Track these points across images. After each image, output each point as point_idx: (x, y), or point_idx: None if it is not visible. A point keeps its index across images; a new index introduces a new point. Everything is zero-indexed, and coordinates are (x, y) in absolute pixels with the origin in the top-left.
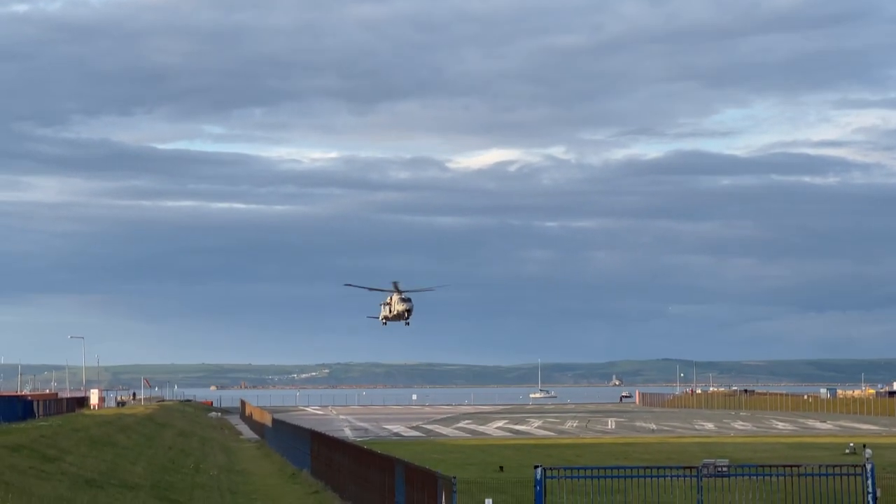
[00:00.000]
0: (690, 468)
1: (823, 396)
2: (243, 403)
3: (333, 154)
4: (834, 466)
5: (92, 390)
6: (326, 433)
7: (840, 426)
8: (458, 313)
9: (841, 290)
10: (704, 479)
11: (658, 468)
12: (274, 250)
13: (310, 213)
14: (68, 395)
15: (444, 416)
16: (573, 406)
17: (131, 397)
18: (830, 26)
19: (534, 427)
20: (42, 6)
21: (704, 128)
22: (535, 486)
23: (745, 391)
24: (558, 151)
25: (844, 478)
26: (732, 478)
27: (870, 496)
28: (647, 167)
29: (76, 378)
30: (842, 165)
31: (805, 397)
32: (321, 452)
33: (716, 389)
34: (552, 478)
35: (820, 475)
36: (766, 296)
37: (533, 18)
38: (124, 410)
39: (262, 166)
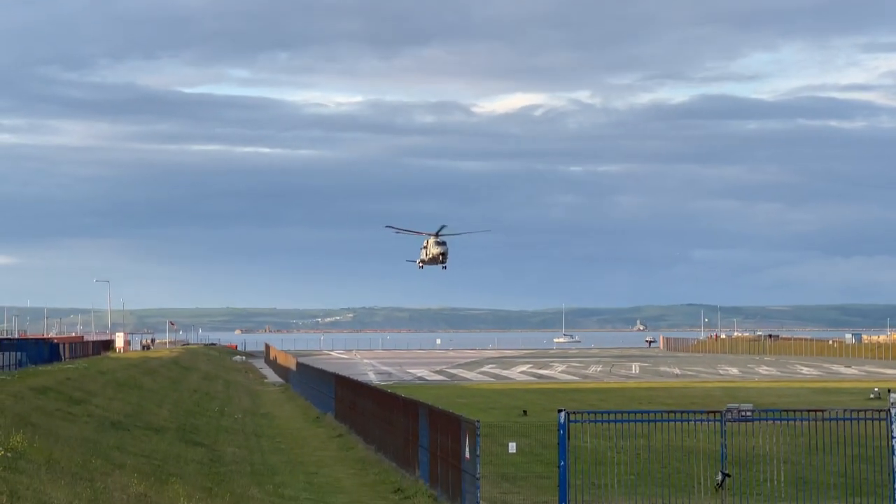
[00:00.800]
0: (714, 413)
1: (848, 342)
2: (268, 347)
3: (358, 98)
4: (858, 411)
5: (117, 334)
6: (350, 377)
7: (865, 371)
8: (482, 258)
9: (867, 235)
10: (728, 424)
11: (682, 412)
12: (299, 195)
13: (335, 157)
14: (94, 339)
15: (468, 360)
16: (597, 351)
17: (150, 342)
18: None
19: (557, 371)
20: None
21: (731, 72)
22: (558, 430)
23: (770, 336)
24: (584, 96)
25: (869, 422)
26: (756, 422)
27: (894, 441)
28: (673, 111)
29: (102, 321)
30: (869, 109)
31: (830, 342)
32: (345, 396)
33: (740, 334)
34: (576, 422)
35: (844, 420)
36: (791, 241)
37: None
38: (149, 354)
39: (287, 110)
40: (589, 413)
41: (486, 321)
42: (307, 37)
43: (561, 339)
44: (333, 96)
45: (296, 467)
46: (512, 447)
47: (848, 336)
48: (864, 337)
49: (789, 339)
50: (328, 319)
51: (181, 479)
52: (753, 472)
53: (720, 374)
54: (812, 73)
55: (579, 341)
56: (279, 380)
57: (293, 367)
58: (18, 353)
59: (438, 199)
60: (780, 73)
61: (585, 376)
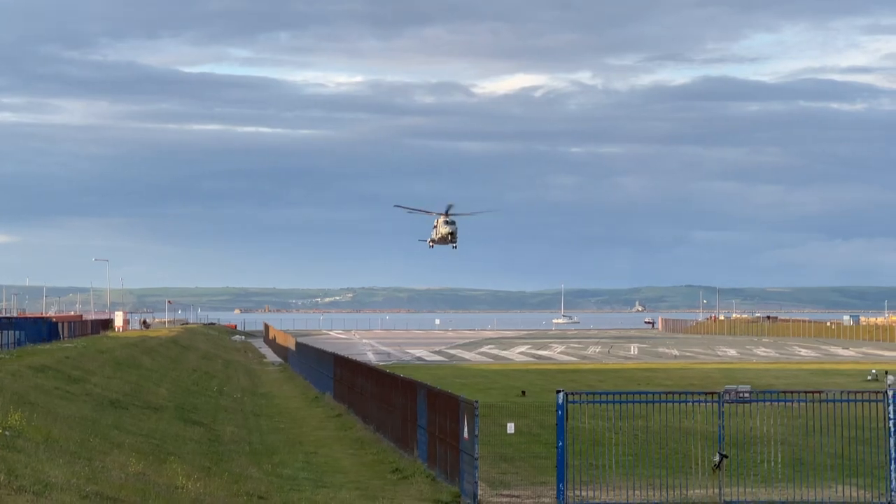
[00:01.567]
0: (712, 394)
1: (846, 323)
2: (267, 327)
3: (359, 78)
4: (856, 393)
5: (116, 313)
6: (349, 357)
7: (863, 353)
8: (482, 239)
9: (867, 217)
10: (726, 406)
11: (680, 394)
12: (299, 175)
13: (335, 137)
14: (93, 318)
15: (467, 340)
16: (596, 332)
17: (142, 322)
18: None
19: (556, 352)
20: None
21: (732, 53)
22: (557, 411)
23: (768, 318)
24: (585, 77)
25: (866, 404)
26: (754, 404)
27: (891, 422)
28: (674, 93)
29: (101, 300)
30: (870, 92)
31: (828, 324)
32: (344, 376)
33: (739, 316)
34: (574, 402)
35: (842, 401)
36: (792, 223)
37: None
38: (148, 333)
39: (288, 90)
40: (587, 394)
41: (485, 302)
42: (308, 17)
43: (560, 320)
44: (334, 76)
45: (294, 447)
46: (510, 427)
47: (846, 318)
48: (862, 319)
49: (788, 320)
50: (327, 300)
51: (179, 458)
52: (750, 453)
53: (718, 356)
54: (813, 55)
55: (578, 322)
56: (278, 359)
57: (292, 346)
58: (17, 332)
59: (438, 179)
60: (781, 54)
61: (584, 357)
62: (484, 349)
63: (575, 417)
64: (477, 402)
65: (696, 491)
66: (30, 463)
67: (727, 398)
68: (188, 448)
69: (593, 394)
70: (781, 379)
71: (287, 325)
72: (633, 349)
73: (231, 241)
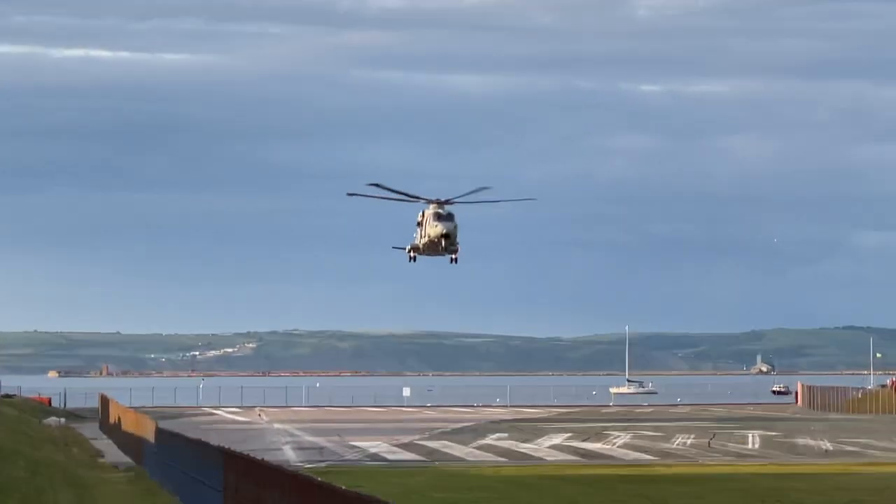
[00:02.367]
0: None
1: None
2: (105, 402)
3: None
4: None
5: None
6: (251, 456)
7: None
8: (485, 249)
9: None
10: None
11: None
12: (160, 133)
13: (224, 67)
14: None
15: (461, 424)
16: (686, 409)
17: None
18: None
19: (617, 446)
20: None
21: None
22: None
23: None
24: None
25: None
26: None
27: None
28: None
29: None
30: None
31: None
32: (244, 489)
33: None
34: None
35: None
36: None
37: None
38: None
39: None
40: None
41: (492, 357)
42: None
43: (623, 389)
44: None
45: None
46: None
47: None
48: None
49: None
50: (212, 353)
51: None
52: None
53: None
54: None
55: (655, 392)
56: (126, 459)
57: (150, 437)
58: None
59: (408, 141)
60: None
61: (666, 454)
62: (490, 440)
63: None
64: None
65: None
66: None
67: None
68: None
69: None
70: None
71: (142, 398)
72: (753, 440)
73: (41, 250)
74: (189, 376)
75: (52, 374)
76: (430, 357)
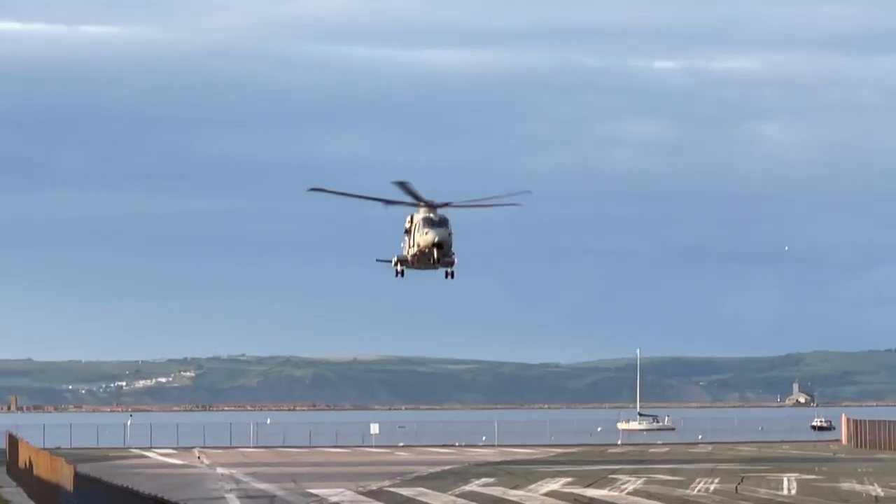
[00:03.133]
0: None
1: None
2: (14, 442)
3: None
4: None
5: None
6: None
7: None
8: (466, 256)
9: None
10: None
11: None
12: (77, 121)
13: (154, 40)
14: None
15: (439, 468)
16: (708, 448)
17: None
18: None
19: (626, 492)
20: None
21: None
22: None
23: None
24: None
25: None
26: None
27: None
28: None
29: None
30: None
31: None
32: None
33: None
34: None
35: None
36: None
37: None
38: None
39: None
40: None
41: (476, 386)
42: None
43: (631, 424)
44: None
45: None
46: None
47: None
48: None
49: None
50: (141, 383)
51: None
52: None
53: None
54: None
55: (673, 428)
56: None
57: (68, 483)
58: None
59: (375, 128)
60: None
61: (685, 502)
62: (475, 486)
63: None
64: None
65: None
66: None
67: None
68: None
69: None
70: None
71: (57, 436)
72: (789, 484)
73: None
74: (114, 411)
75: None
76: (403, 387)
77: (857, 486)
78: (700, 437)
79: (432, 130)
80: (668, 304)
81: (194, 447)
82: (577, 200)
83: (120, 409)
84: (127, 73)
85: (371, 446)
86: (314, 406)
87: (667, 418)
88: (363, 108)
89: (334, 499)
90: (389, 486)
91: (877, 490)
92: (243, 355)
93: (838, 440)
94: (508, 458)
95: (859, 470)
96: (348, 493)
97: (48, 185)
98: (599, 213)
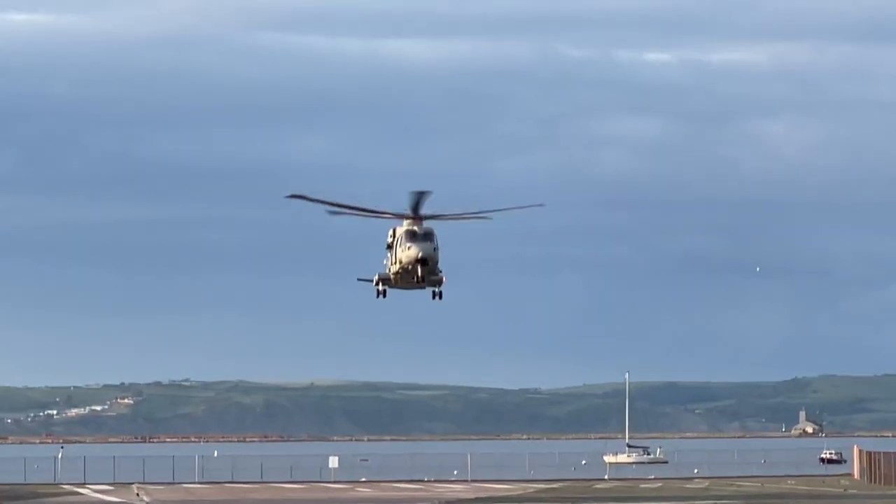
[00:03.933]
0: None
1: None
2: None
3: None
4: None
5: None
6: None
7: None
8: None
9: None
10: None
11: None
12: (1, 121)
13: (89, 29)
14: None
15: None
16: (705, 483)
17: None
18: None
19: None
20: None
21: None
22: None
23: None
24: None
25: None
26: None
27: None
28: None
29: None
30: None
31: None
32: None
33: None
34: None
35: None
36: None
37: None
38: None
39: None
40: None
41: (446, 415)
42: None
43: (622, 457)
44: None
45: None
46: None
47: None
48: None
49: None
50: (74, 412)
51: None
52: None
53: None
54: None
55: (665, 461)
56: None
57: None
58: None
59: (339, 127)
60: None
61: None
62: None
63: None
64: None
65: None
66: None
67: None
68: None
69: None
70: None
71: None
72: None
73: None
74: (43, 442)
75: None
76: (366, 416)
77: None
78: (696, 470)
79: (400, 129)
80: (660, 323)
81: (133, 483)
82: (559, 206)
83: (50, 441)
84: (60, 67)
85: (330, 482)
86: (266, 437)
87: (659, 450)
88: (324, 105)
89: None
90: None
91: None
92: (187, 380)
93: (850, 474)
94: (483, 495)
95: None
96: None
97: None
98: (584, 221)
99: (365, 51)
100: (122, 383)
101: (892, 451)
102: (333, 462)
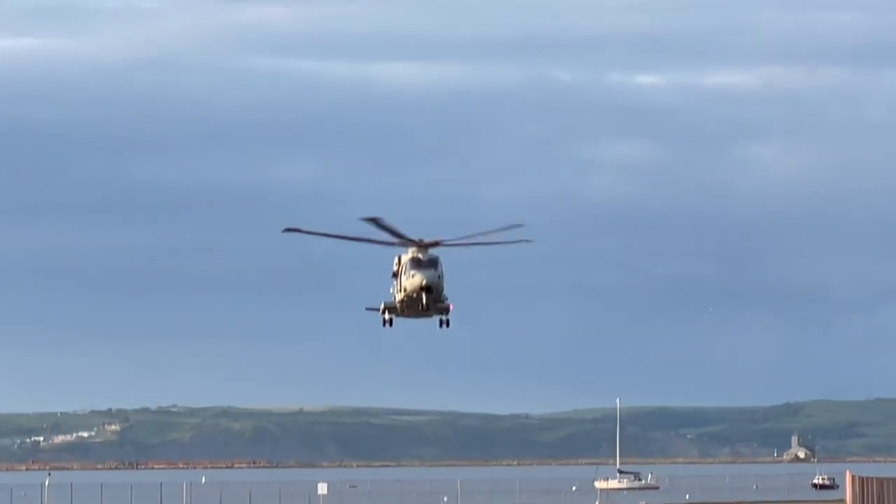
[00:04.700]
0: None
1: None
2: None
3: None
4: None
5: None
6: None
7: None
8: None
9: None
10: None
11: None
12: None
13: (73, 52)
14: None
15: None
16: None
17: None
18: None
19: None
20: None
21: None
22: None
23: None
24: None
25: None
26: None
27: None
28: None
29: None
30: None
31: None
32: None
33: None
34: None
35: None
36: None
37: None
38: None
39: None
40: None
41: (436, 440)
42: None
43: (611, 483)
44: None
45: None
46: None
47: None
48: None
49: None
50: (61, 438)
51: None
52: None
53: None
54: None
55: (656, 487)
56: None
57: None
58: None
59: (326, 152)
60: None
61: None
62: None
63: None
64: None
65: None
66: None
67: None
68: None
69: None
70: None
71: None
72: None
73: None
74: (30, 469)
75: None
76: (355, 441)
77: None
78: (687, 496)
79: (390, 153)
80: (651, 348)
81: None
82: (551, 231)
83: (37, 468)
84: (43, 90)
85: None
86: (254, 463)
87: (650, 475)
88: (311, 129)
89: None
90: None
91: None
92: (175, 406)
93: (842, 500)
94: None
95: None
96: None
97: None
98: (575, 246)
99: (354, 75)
100: (110, 409)
101: (885, 476)
102: (322, 488)
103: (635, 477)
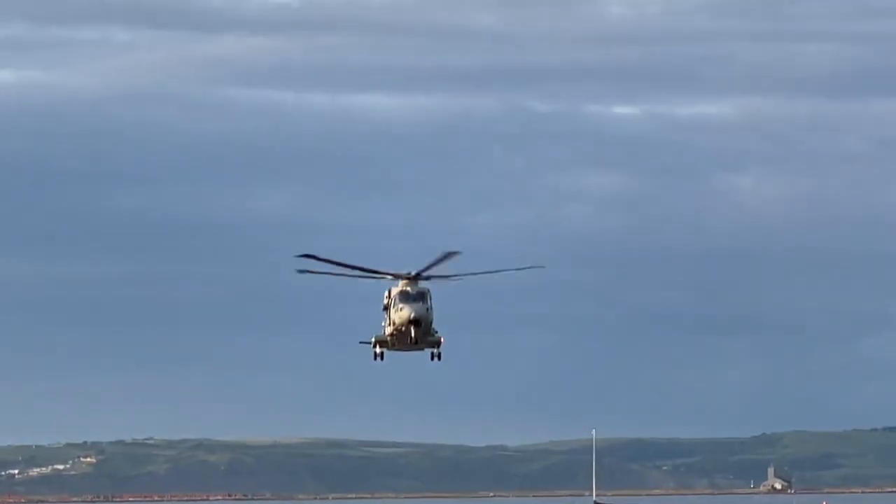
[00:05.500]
0: None
1: None
2: None
3: None
4: None
5: None
6: None
7: None
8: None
9: None
10: None
11: None
12: None
13: (51, 84)
14: None
15: None
16: None
17: None
18: None
19: None
20: None
21: None
22: None
23: None
24: None
25: None
26: None
27: None
28: None
29: None
30: None
31: None
32: None
33: None
34: None
35: None
36: None
37: None
38: None
39: None
40: None
41: (411, 472)
42: None
43: None
44: None
45: None
46: None
47: None
48: None
49: None
50: (36, 471)
51: None
52: None
53: None
54: None
55: None
56: None
57: None
58: None
59: (302, 183)
60: None
61: None
62: None
63: None
64: None
65: None
66: None
67: None
68: None
69: None
70: None
71: None
72: None
73: None
74: (5, 503)
75: None
76: (330, 474)
77: None
78: None
79: (362, 185)
80: (627, 379)
81: None
82: (526, 261)
83: (12, 501)
84: (19, 121)
85: None
86: (230, 496)
87: None
88: (286, 160)
89: None
90: None
91: None
92: (150, 438)
93: None
94: None
95: None
96: None
97: None
98: (550, 276)
99: (332, 106)
100: (85, 442)
101: None
102: None
103: None
